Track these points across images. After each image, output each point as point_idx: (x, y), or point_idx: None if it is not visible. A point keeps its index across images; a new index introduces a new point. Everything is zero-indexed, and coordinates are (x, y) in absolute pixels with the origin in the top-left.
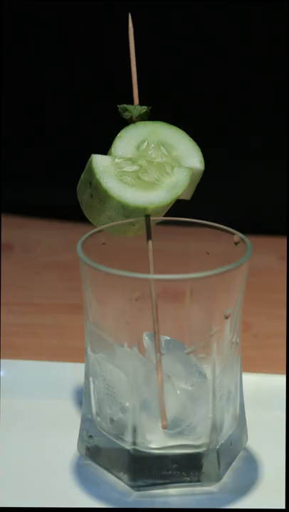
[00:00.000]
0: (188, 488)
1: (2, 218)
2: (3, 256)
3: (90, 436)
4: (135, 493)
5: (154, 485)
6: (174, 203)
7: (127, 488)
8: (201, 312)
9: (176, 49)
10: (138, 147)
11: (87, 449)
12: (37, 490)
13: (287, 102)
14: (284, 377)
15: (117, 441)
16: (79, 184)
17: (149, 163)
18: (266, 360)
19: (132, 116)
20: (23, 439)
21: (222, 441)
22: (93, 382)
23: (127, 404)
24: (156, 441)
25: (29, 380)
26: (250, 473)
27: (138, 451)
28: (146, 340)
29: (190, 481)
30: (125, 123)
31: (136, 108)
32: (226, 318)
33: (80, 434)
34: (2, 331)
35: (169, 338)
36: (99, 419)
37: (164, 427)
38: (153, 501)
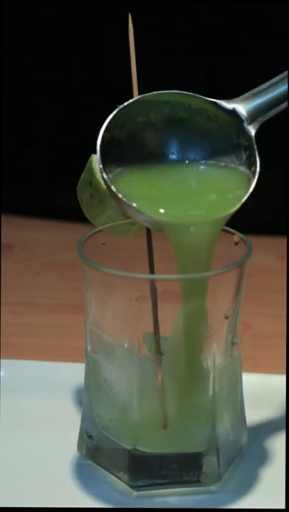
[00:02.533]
0: (188, 488)
1: (2, 218)
2: (3, 256)
3: (90, 436)
4: (135, 493)
5: (154, 485)
6: None
7: (127, 488)
8: None
9: (176, 49)
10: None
11: (87, 449)
12: (37, 490)
13: (288, 101)
14: (284, 377)
15: (117, 441)
16: (79, 184)
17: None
18: (266, 360)
19: None
20: (23, 439)
21: (222, 441)
22: (93, 383)
23: (127, 404)
24: (156, 442)
25: (29, 380)
26: (250, 473)
27: (138, 451)
28: (146, 340)
29: (190, 481)
30: None
31: None
32: (226, 318)
33: (80, 434)
34: (2, 331)
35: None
36: (99, 419)
37: (164, 427)
38: (153, 501)
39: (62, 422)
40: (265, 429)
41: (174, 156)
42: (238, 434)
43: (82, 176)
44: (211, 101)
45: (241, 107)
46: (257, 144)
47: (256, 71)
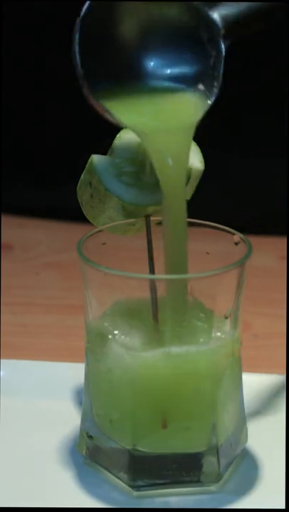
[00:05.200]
0: (188, 488)
1: (2, 218)
2: (3, 256)
3: (90, 436)
4: (135, 493)
5: (154, 485)
6: None
7: (127, 488)
8: None
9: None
10: (138, 147)
11: (87, 449)
12: (37, 490)
13: (288, 101)
14: (284, 377)
15: (117, 441)
16: (79, 184)
17: (149, 163)
18: (266, 360)
19: None
20: (23, 439)
21: (222, 441)
22: (93, 382)
23: (127, 403)
24: (156, 442)
25: (29, 380)
26: (250, 473)
27: (138, 451)
28: None
29: (190, 481)
30: None
31: None
32: (226, 318)
33: (80, 434)
34: (2, 331)
35: None
36: (99, 419)
37: (164, 427)
38: (153, 501)
39: (62, 422)
40: (265, 429)
41: (148, 74)
42: (238, 434)
43: (82, 176)
44: (194, 6)
45: (219, 19)
46: (257, 143)
47: (256, 70)
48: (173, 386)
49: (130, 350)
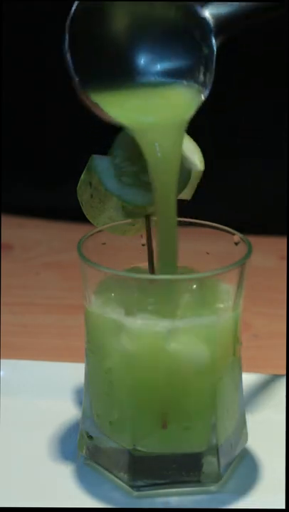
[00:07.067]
0: (188, 488)
1: (2, 218)
2: (3, 256)
3: (90, 436)
4: (135, 493)
5: (154, 485)
6: None
7: (127, 488)
8: None
9: None
10: (138, 147)
11: (87, 449)
12: (37, 490)
13: (288, 101)
14: (284, 377)
15: (117, 441)
16: (79, 184)
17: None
18: (266, 360)
19: None
20: (23, 439)
21: (222, 441)
22: (93, 382)
23: (127, 404)
24: (156, 442)
25: (29, 380)
26: (250, 473)
27: (138, 451)
28: None
29: (190, 481)
30: None
31: None
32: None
33: (80, 434)
34: (2, 331)
35: None
36: (99, 419)
37: (164, 427)
38: (153, 501)
39: (62, 422)
40: (265, 429)
41: (139, 69)
42: (238, 434)
43: (82, 176)
44: (184, 5)
45: (210, 16)
46: (257, 143)
47: (256, 70)
48: (172, 381)
49: (127, 332)
